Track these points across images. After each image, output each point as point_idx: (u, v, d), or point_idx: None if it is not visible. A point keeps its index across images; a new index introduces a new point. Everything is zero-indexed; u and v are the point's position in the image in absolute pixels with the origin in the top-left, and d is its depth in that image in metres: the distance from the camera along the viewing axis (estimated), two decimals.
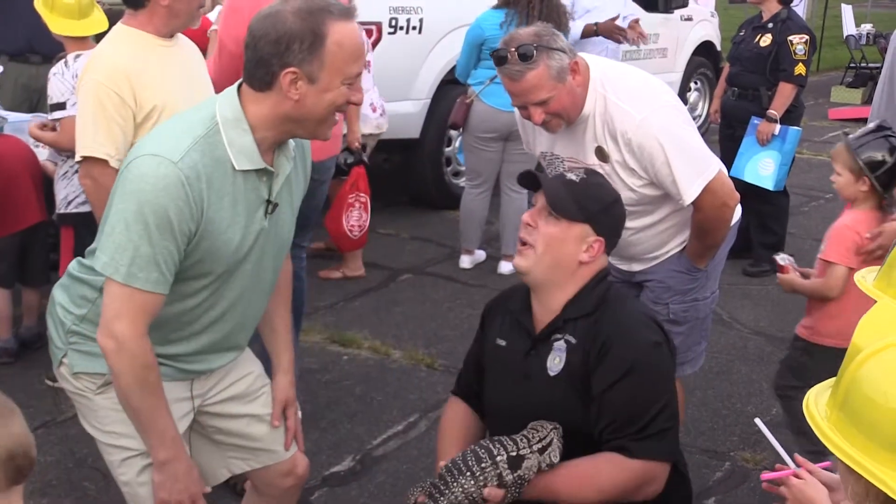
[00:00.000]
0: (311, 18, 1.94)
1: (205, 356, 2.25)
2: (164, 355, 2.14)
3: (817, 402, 1.36)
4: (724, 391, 4.24)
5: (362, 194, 5.29)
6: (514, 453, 2.18)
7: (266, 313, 2.40)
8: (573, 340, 2.27)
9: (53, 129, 3.98)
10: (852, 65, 13.13)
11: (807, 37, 5.59)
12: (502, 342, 2.42)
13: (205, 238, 2.01)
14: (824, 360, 2.88)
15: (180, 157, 1.94)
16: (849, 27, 13.34)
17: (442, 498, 2.17)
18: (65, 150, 3.82)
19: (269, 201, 2.11)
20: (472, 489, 2.16)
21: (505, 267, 5.60)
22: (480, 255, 5.86)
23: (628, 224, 2.82)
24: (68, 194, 4.00)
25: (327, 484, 3.45)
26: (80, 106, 2.99)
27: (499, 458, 2.17)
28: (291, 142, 2.15)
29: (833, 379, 1.36)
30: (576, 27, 5.96)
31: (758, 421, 2.09)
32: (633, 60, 7.92)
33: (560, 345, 2.29)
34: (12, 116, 4.54)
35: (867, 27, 13.93)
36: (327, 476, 3.49)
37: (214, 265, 2.08)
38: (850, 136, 3.20)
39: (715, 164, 2.81)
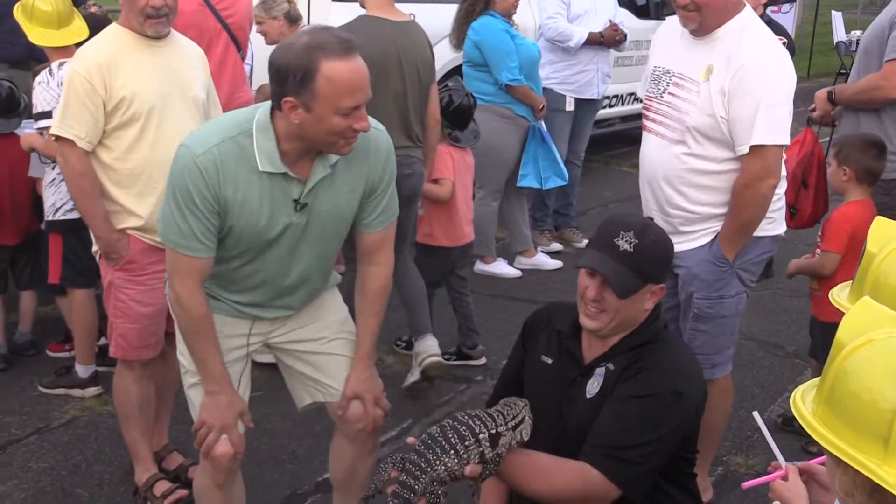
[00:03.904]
0: (307, 55, 2.20)
1: (257, 308, 2.62)
2: (224, 297, 2.59)
3: (804, 399, 1.40)
4: None
5: None
6: (494, 431, 2.20)
7: (357, 314, 2.70)
8: (612, 367, 2.34)
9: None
10: (843, 71, 13.16)
11: (784, 39, 5.65)
12: (548, 360, 2.47)
13: (228, 217, 2.37)
14: None
15: (202, 151, 2.31)
16: (839, 33, 13.37)
17: (423, 476, 2.15)
18: (53, 158, 3.81)
19: (296, 201, 2.40)
20: (455, 467, 2.16)
21: (478, 266, 5.76)
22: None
23: (683, 156, 2.99)
24: (56, 201, 3.98)
25: (320, 490, 3.45)
26: (62, 92, 3.21)
27: (481, 436, 2.18)
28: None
29: (819, 378, 1.39)
30: (578, 33, 6.08)
31: (755, 415, 2.10)
32: (626, 66, 7.95)
33: (601, 370, 2.36)
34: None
35: (857, 33, 13.97)
36: (320, 482, 3.48)
37: (240, 241, 2.44)
38: None
39: (785, 140, 2.95)
